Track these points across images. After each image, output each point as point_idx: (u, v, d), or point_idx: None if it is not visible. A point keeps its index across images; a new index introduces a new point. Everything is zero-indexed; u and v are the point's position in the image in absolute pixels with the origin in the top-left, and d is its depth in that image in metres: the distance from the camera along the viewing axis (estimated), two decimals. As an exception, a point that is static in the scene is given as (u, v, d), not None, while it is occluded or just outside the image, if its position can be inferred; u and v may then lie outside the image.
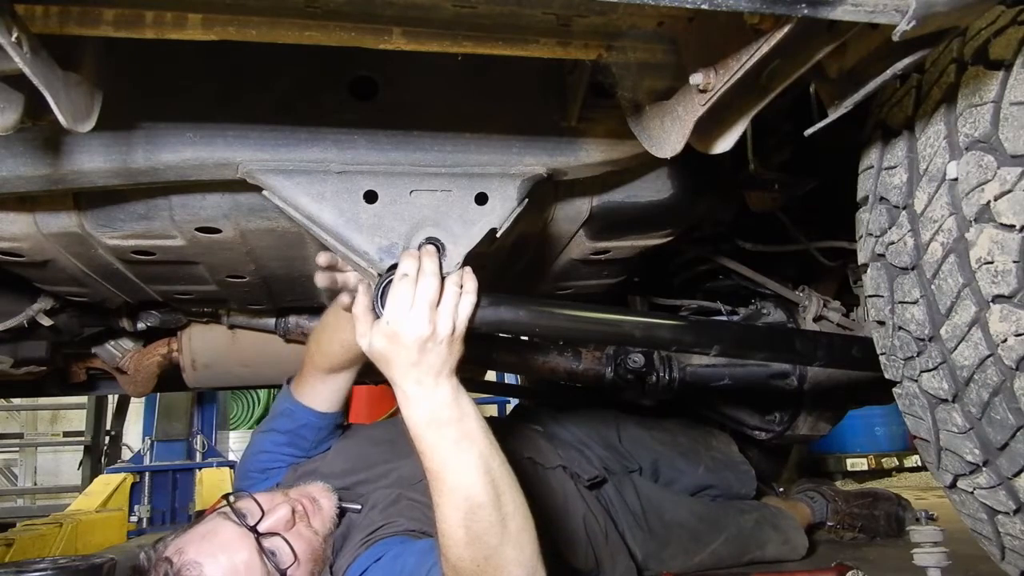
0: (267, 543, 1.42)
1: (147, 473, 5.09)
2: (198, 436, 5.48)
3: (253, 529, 1.42)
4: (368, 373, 1.61)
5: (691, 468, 2.33)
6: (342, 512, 1.60)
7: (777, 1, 0.71)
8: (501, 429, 1.26)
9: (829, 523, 2.63)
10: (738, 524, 2.23)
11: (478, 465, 1.14)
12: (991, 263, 0.91)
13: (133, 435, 6.81)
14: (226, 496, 1.53)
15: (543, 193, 1.33)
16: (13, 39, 0.68)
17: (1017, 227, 0.88)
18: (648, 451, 2.31)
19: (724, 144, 1.01)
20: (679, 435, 2.43)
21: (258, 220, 1.28)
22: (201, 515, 1.53)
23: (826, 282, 2.22)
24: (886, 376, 1.18)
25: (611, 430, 2.32)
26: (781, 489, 2.79)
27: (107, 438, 6.05)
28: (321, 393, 1.77)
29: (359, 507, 1.62)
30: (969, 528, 1.15)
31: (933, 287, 0.99)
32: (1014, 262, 0.89)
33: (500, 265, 1.57)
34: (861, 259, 1.17)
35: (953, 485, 1.10)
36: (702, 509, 2.22)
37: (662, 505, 2.14)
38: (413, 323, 1.10)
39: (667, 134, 1.02)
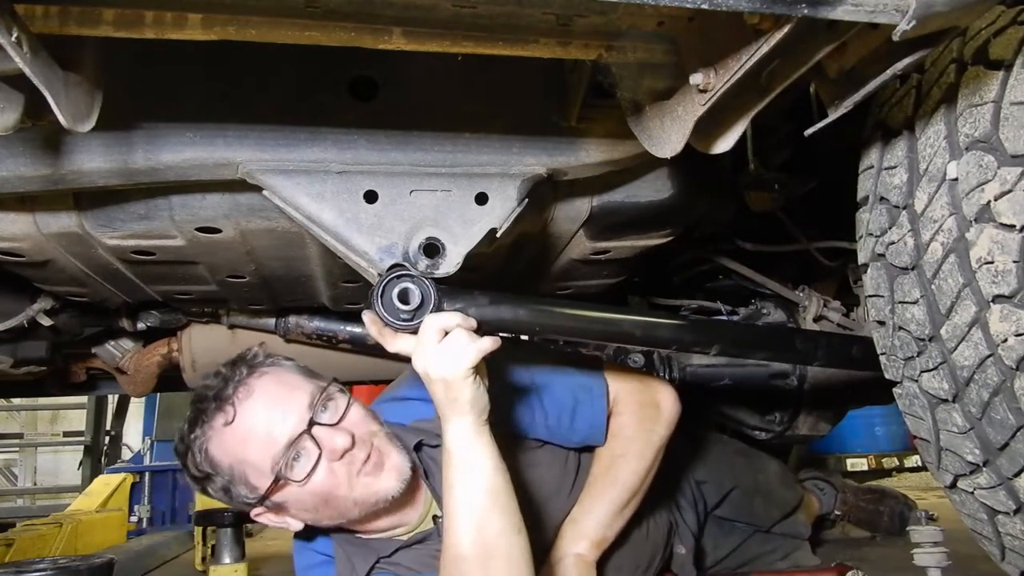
0: (302, 443, 1.28)
1: (147, 473, 5.09)
2: (198, 436, 5.46)
3: (311, 421, 1.30)
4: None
5: (761, 534, 2.19)
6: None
7: (777, 1, 0.71)
8: None
9: (837, 511, 2.62)
10: (758, 553, 2.19)
11: (471, 517, 1.19)
12: (991, 263, 0.91)
13: (133, 435, 6.82)
14: (334, 380, 1.40)
15: (543, 193, 1.33)
16: (13, 39, 0.68)
17: (1017, 227, 0.88)
18: (737, 514, 2.15)
19: (724, 144, 1.01)
20: (773, 508, 2.22)
21: (258, 220, 1.28)
22: (331, 385, 1.38)
23: (826, 282, 2.21)
24: (886, 376, 1.17)
25: (715, 497, 2.10)
26: None
27: (107, 438, 6.05)
28: None
29: None
30: (969, 528, 1.15)
31: (933, 287, 0.99)
32: (1014, 262, 0.88)
33: (500, 265, 1.57)
34: (861, 259, 1.17)
35: (953, 485, 1.10)
36: (737, 549, 2.16)
37: (708, 552, 2.09)
38: (435, 364, 1.15)
39: (667, 134, 1.02)
